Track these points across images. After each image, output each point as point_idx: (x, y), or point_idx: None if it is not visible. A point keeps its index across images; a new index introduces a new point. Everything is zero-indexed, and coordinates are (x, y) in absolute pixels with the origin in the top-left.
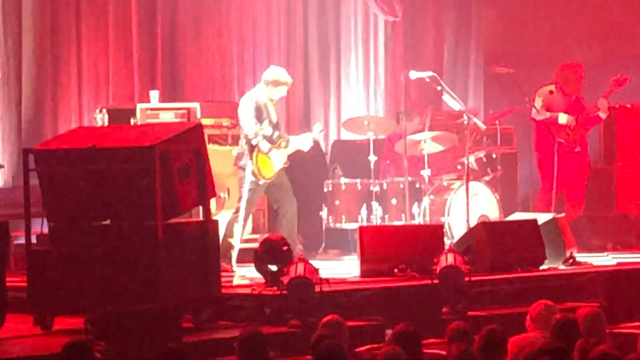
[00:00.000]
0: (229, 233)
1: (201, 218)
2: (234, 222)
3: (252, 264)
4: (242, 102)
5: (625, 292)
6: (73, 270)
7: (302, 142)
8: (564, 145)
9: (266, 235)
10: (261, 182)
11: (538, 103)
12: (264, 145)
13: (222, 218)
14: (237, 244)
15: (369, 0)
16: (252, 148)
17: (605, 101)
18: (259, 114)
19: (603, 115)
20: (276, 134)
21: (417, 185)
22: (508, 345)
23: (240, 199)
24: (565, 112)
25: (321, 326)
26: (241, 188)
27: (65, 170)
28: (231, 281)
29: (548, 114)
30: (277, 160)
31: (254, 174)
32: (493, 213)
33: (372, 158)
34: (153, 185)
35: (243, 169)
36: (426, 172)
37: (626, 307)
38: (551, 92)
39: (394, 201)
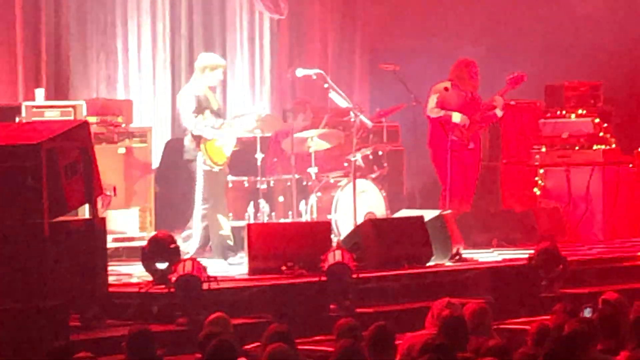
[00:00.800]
0: (214, 227)
1: (88, 216)
2: (212, 215)
3: (140, 262)
4: (180, 97)
5: (511, 288)
6: None
7: (246, 122)
8: (457, 142)
9: (153, 232)
10: (215, 169)
11: (432, 100)
12: (208, 133)
13: (108, 216)
14: (229, 232)
15: None
16: (197, 139)
17: (501, 99)
18: (199, 106)
19: (499, 113)
20: (219, 120)
21: (304, 183)
22: (400, 343)
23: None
24: (460, 109)
25: (207, 324)
26: (195, 182)
27: None
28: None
29: (442, 112)
30: (225, 145)
31: (205, 162)
32: (380, 210)
33: (259, 155)
34: (39, 183)
35: (193, 161)
36: (313, 170)
37: (512, 302)
38: (446, 89)
39: (281, 199)
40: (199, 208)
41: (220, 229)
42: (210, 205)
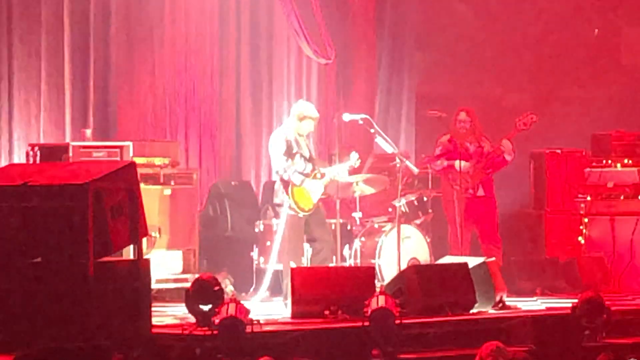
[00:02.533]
0: (286, 271)
1: (132, 257)
2: (286, 260)
3: (184, 304)
4: (271, 139)
5: (554, 337)
6: (3, 308)
7: (339, 172)
8: (463, 191)
9: (197, 275)
10: (300, 214)
11: (436, 152)
12: (297, 178)
13: (152, 257)
14: None
15: (302, 43)
16: (285, 183)
17: (508, 142)
18: (289, 149)
19: (508, 157)
20: (309, 166)
21: (349, 227)
22: None
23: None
24: (463, 158)
25: None
26: (279, 226)
27: None
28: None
29: (445, 163)
30: (313, 192)
31: (291, 208)
32: (424, 256)
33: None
34: (85, 223)
35: (280, 205)
36: (357, 215)
37: (555, 351)
38: (449, 140)
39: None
40: (275, 251)
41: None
42: (287, 250)
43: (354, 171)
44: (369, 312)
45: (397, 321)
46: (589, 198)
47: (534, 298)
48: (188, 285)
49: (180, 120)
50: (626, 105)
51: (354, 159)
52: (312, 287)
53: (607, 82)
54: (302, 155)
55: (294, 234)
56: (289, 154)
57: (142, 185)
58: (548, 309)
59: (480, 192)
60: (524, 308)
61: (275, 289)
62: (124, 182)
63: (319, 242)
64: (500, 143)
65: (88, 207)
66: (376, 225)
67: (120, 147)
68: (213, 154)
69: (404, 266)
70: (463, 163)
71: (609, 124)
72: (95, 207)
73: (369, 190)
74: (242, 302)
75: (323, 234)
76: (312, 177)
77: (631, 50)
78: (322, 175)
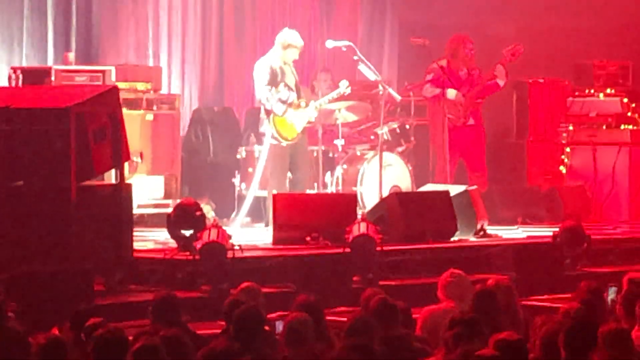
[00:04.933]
0: (269, 200)
1: (114, 181)
2: (269, 189)
3: (165, 229)
4: (255, 67)
5: (535, 265)
6: None
7: (328, 100)
8: (454, 120)
9: (179, 200)
10: (284, 144)
11: (427, 78)
12: (279, 108)
13: (134, 182)
14: None
15: None
16: (268, 112)
17: (502, 67)
18: (273, 78)
19: (501, 82)
20: (293, 95)
21: (331, 155)
22: (419, 316)
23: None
24: (456, 86)
25: (238, 292)
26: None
27: None
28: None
29: (437, 90)
30: (296, 121)
31: (274, 137)
32: (405, 184)
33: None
34: (67, 147)
35: (264, 134)
36: (340, 142)
37: (535, 280)
38: (441, 67)
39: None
40: (257, 178)
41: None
42: (270, 179)
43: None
44: (350, 239)
45: (378, 248)
46: (571, 127)
47: (515, 227)
48: (170, 210)
49: (163, 46)
50: (611, 35)
51: (343, 86)
52: (294, 214)
53: (591, 11)
54: (286, 84)
55: (277, 163)
56: (273, 82)
57: (124, 110)
58: (529, 237)
59: (471, 122)
60: (505, 236)
61: (256, 215)
62: (106, 106)
63: (300, 172)
64: (493, 68)
65: (70, 131)
66: (358, 153)
67: (103, 72)
68: (196, 80)
69: (385, 194)
70: (454, 91)
71: (593, 54)
72: (77, 131)
73: (351, 117)
74: (223, 227)
75: (304, 164)
76: (295, 107)
77: None
78: (306, 105)
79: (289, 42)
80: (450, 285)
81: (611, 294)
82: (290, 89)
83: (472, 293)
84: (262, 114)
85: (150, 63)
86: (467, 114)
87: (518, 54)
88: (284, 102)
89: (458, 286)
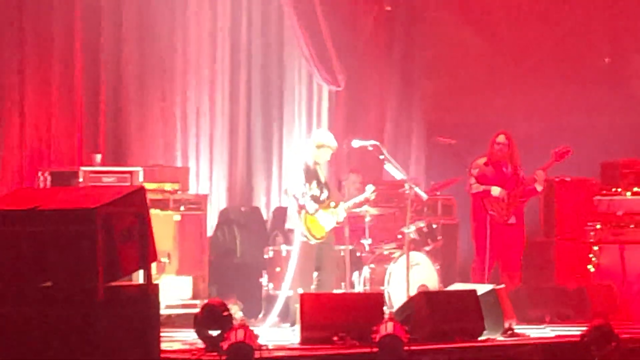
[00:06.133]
0: (294, 298)
1: (142, 282)
2: (295, 287)
3: (193, 329)
4: (292, 162)
5: None
6: (13, 333)
7: (354, 204)
8: (497, 217)
9: (206, 300)
10: (312, 242)
11: (473, 174)
12: (311, 206)
13: (162, 282)
14: None
15: (312, 69)
16: (300, 208)
17: (542, 173)
18: (307, 175)
19: (539, 187)
20: (324, 194)
21: (358, 254)
22: None
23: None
24: (499, 184)
25: None
26: (292, 251)
27: (6, 230)
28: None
29: (482, 187)
30: (326, 221)
31: (303, 234)
32: (433, 283)
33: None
34: (94, 248)
35: (292, 231)
36: (367, 241)
37: None
38: (485, 164)
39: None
40: (290, 277)
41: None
42: (298, 277)
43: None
44: (378, 339)
45: (406, 348)
46: (598, 226)
47: (543, 326)
48: (197, 310)
49: (191, 146)
50: (634, 135)
51: (369, 191)
52: (321, 313)
53: (618, 110)
54: (318, 183)
55: (305, 260)
56: (307, 179)
57: (152, 211)
58: (557, 336)
59: (512, 220)
60: (533, 335)
61: (284, 315)
62: (133, 206)
63: (326, 272)
64: (534, 173)
65: (97, 231)
66: (385, 252)
67: (131, 172)
68: (224, 179)
69: (413, 293)
70: (499, 189)
71: (619, 152)
72: (104, 231)
73: (378, 212)
74: (251, 327)
75: (330, 263)
76: (325, 207)
77: None
78: (336, 206)
79: (323, 142)
80: None
81: None
82: (322, 188)
83: None
84: (290, 211)
85: (179, 163)
86: (509, 212)
87: (565, 155)
88: (316, 200)
89: None
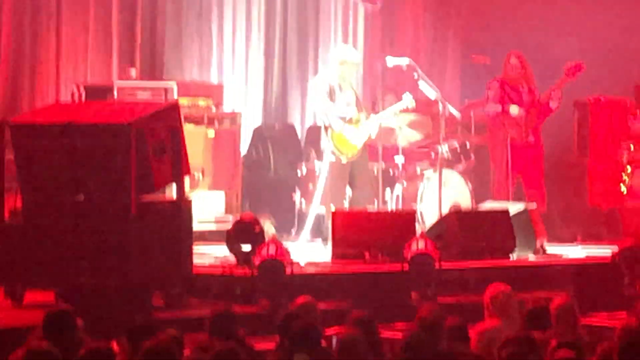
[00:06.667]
0: (328, 216)
1: (175, 197)
2: (327, 204)
3: (225, 244)
4: (311, 83)
5: (593, 285)
6: (45, 245)
7: (391, 114)
8: (516, 137)
9: (239, 215)
10: (343, 160)
11: (489, 96)
12: (337, 124)
13: (195, 197)
14: None
15: None
16: (326, 128)
17: (557, 90)
18: (331, 94)
19: (554, 104)
20: (351, 111)
21: (391, 172)
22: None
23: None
24: (517, 101)
25: (294, 307)
26: (322, 170)
27: (40, 144)
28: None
29: (499, 107)
30: (356, 138)
31: (333, 153)
32: (465, 202)
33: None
34: (128, 162)
35: (324, 151)
36: (400, 159)
37: (593, 299)
38: (501, 85)
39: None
40: (319, 195)
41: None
42: (329, 195)
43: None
44: (409, 256)
45: (437, 265)
46: (632, 147)
47: (575, 245)
48: (230, 226)
49: (227, 63)
50: None
51: (407, 99)
52: (353, 230)
53: None
54: (346, 101)
55: (336, 179)
56: (331, 98)
57: (185, 126)
58: (588, 257)
59: (531, 138)
60: (564, 255)
61: (316, 232)
62: (166, 122)
63: (359, 189)
64: (550, 90)
65: (131, 146)
66: (418, 171)
67: (165, 88)
68: (259, 97)
69: (445, 211)
70: (517, 107)
71: None
72: (137, 146)
73: (412, 136)
74: (283, 243)
75: (363, 181)
76: (355, 123)
77: None
78: (366, 118)
79: (344, 57)
80: (498, 302)
81: None
82: (349, 105)
83: (517, 310)
84: (322, 130)
85: (214, 80)
86: (528, 131)
87: (578, 71)
88: (342, 118)
89: (506, 303)
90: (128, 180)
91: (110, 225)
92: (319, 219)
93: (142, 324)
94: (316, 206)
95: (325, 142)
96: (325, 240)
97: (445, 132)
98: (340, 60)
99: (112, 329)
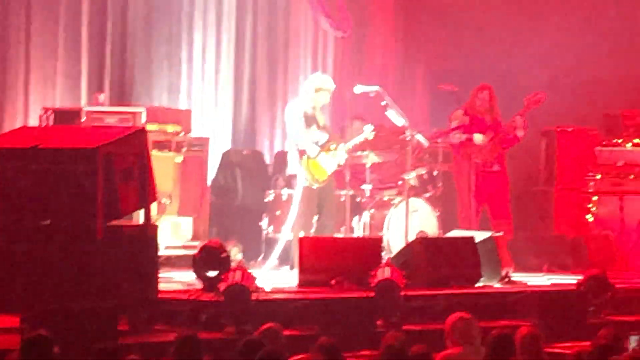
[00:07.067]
0: (296, 243)
1: (141, 222)
2: (296, 231)
3: (191, 270)
4: (288, 109)
5: (559, 313)
6: (11, 269)
7: (353, 144)
8: (481, 165)
9: (206, 241)
10: (314, 186)
11: (452, 125)
12: (312, 150)
13: (163, 223)
14: None
15: (319, 16)
16: (301, 153)
17: (521, 119)
18: (306, 120)
19: (520, 133)
20: (324, 137)
21: (358, 199)
22: None
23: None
24: (482, 131)
25: (259, 333)
26: (294, 196)
27: (8, 168)
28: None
29: (464, 136)
30: (328, 164)
31: (306, 179)
32: (432, 229)
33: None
34: (95, 187)
35: (293, 176)
36: (367, 187)
37: (559, 327)
38: (465, 113)
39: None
40: (291, 221)
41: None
42: (299, 221)
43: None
44: (375, 283)
45: (403, 293)
46: (598, 176)
47: (541, 274)
48: (196, 252)
49: (196, 89)
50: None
51: (367, 131)
52: (320, 257)
53: (621, 62)
54: (318, 126)
55: (307, 205)
56: (307, 124)
57: (153, 152)
58: (554, 285)
59: (496, 167)
60: (530, 283)
61: (284, 258)
62: (134, 147)
63: (327, 216)
64: (513, 119)
65: (98, 171)
66: (385, 198)
67: (133, 114)
68: (227, 123)
69: (411, 239)
70: (482, 136)
71: (621, 104)
72: (104, 171)
73: (380, 158)
74: (250, 270)
75: (331, 208)
76: (327, 150)
77: None
78: (337, 147)
79: (320, 85)
80: (459, 329)
81: (632, 342)
82: (322, 132)
83: (479, 337)
84: (291, 156)
85: (183, 106)
86: (493, 160)
87: (540, 102)
88: (316, 143)
89: (467, 330)
90: (94, 205)
91: (76, 250)
92: (287, 246)
93: (107, 349)
94: (286, 232)
95: (298, 168)
96: (292, 267)
97: (413, 160)
98: (316, 87)
99: (77, 354)
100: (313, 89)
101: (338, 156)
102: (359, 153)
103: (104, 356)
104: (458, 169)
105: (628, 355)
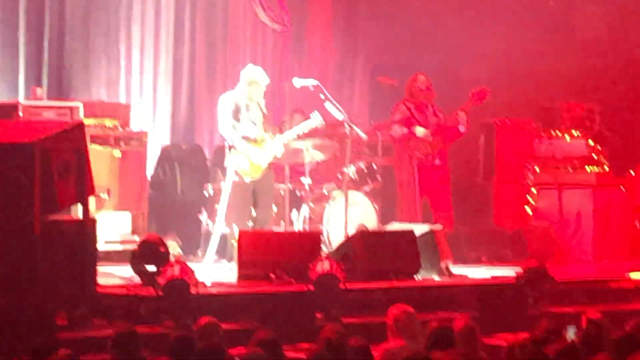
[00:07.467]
0: (230, 236)
1: (80, 216)
2: (229, 224)
3: (129, 264)
4: (219, 101)
5: (498, 305)
6: None
7: (300, 132)
8: (422, 158)
9: (144, 235)
10: (246, 179)
11: (395, 118)
12: (240, 144)
13: (101, 218)
14: None
15: (257, 8)
16: (230, 147)
17: (464, 114)
18: (236, 113)
19: (462, 128)
20: (257, 132)
21: (297, 193)
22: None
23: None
24: (423, 124)
25: (197, 328)
26: (223, 189)
27: None
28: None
29: (405, 130)
30: (261, 158)
31: (236, 173)
32: (371, 223)
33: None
34: (31, 182)
35: (227, 170)
36: (306, 180)
37: (498, 319)
38: (407, 106)
39: (274, 207)
40: (222, 215)
41: (234, 238)
42: (233, 215)
43: (304, 137)
44: (314, 277)
45: (342, 286)
46: (537, 169)
47: (480, 266)
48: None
49: (135, 84)
50: (576, 79)
51: (315, 118)
52: (259, 251)
53: (559, 55)
54: (251, 121)
55: (239, 199)
56: (236, 117)
57: (92, 147)
58: (493, 277)
59: (437, 162)
60: (469, 276)
61: (222, 252)
62: (71, 142)
63: (263, 209)
64: (455, 113)
65: (34, 165)
66: (325, 192)
67: (71, 108)
68: (167, 117)
69: (351, 232)
70: (423, 129)
71: (559, 96)
72: (41, 165)
73: (319, 156)
74: (189, 264)
75: (267, 201)
76: (259, 144)
77: (585, 25)
78: (268, 141)
79: (252, 78)
80: (401, 322)
81: (570, 333)
82: (255, 125)
83: (420, 330)
84: (226, 150)
85: (122, 100)
86: (434, 153)
87: (484, 98)
88: (246, 138)
89: (409, 323)
90: (32, 199)
91: (13, 245)
92: (224, 239)
93: (44, 344)
94: (220, 226)
95: (228, 162)
96: (230, 260)
97: (352, 153)
98: (249, 80)
99: (14, 349)
100: (246, 81)
101: (273, 149)
102: (297, 145)
103: (41, 351)
104: (399, 162)
105: (560, 345)
